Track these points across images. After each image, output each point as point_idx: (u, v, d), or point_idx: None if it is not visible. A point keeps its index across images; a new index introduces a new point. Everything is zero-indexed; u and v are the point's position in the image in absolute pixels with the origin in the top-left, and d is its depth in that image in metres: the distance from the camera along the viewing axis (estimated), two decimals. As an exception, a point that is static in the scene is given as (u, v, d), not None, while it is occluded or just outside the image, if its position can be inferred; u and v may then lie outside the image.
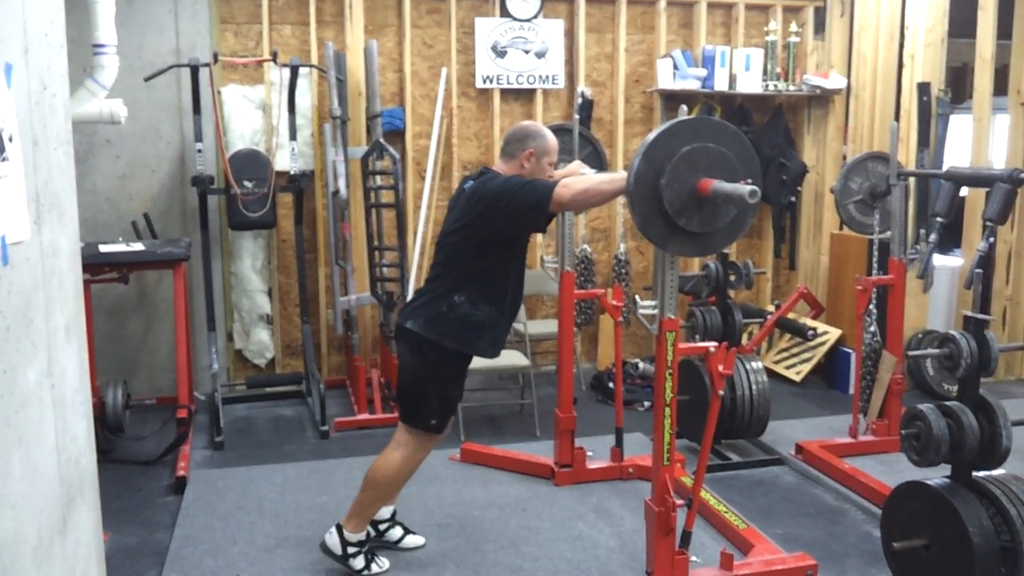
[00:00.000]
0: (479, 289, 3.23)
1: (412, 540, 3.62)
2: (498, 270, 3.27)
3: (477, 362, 5.08)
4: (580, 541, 3.63)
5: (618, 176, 2.96)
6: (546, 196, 2.99)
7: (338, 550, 3.37)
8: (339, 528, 3.39)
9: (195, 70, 4.98)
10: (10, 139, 1.44)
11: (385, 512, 3.61)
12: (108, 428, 4.60)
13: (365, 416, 5.15)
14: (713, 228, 2.81)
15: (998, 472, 3.04)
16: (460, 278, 3.24)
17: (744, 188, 2.58)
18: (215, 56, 5.08)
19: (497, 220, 3.14)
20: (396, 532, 3.61)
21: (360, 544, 3.38)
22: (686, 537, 3.18)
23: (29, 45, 1.55)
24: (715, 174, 2.74)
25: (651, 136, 2.75)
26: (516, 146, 3.32)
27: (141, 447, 4.70)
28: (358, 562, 3.37)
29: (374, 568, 3.38)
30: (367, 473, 3.38)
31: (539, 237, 6.04)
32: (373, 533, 3.54)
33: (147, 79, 4.98)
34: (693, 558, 3.28)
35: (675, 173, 2.72)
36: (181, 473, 4.28)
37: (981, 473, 3.03)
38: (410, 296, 3.43)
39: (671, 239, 2.82)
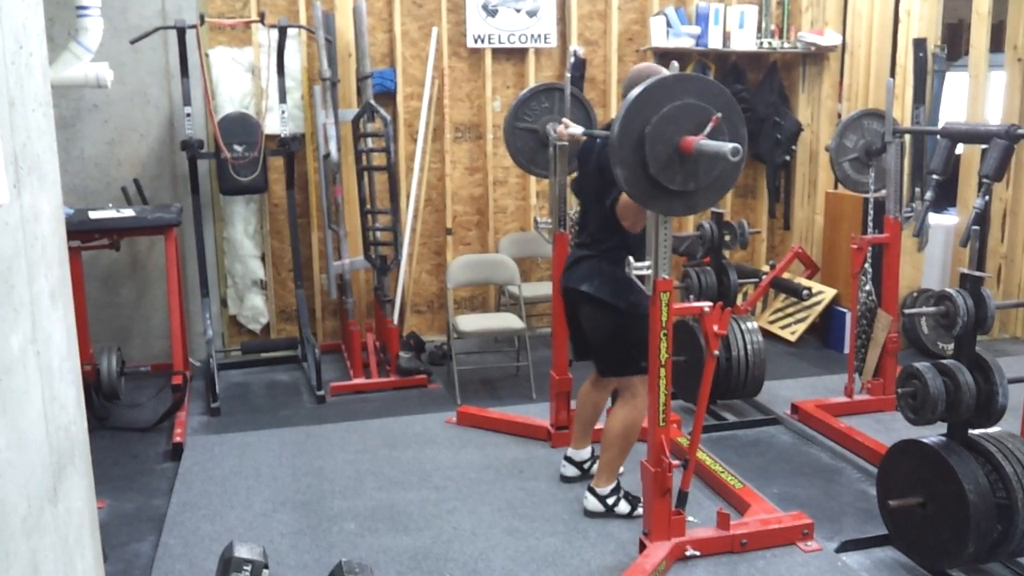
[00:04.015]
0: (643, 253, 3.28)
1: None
2: None
3: (472, 325, 5.10)
4: (577, 503, 3.63)
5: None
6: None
7: (600, 507, 3.53)
8: (591, 490, 3.55)
9: (181, 32, 4.90)
10: (-15, 100, 1.40)
11: (587, 453, 3.86)
12: (103, 395, 4.60)
13: (361, 380, 5.15)
14: (697, 186, 2.79)
15: (994, 430, 3.05)
16: (623, 241, 3.35)
17: (727, 146, 2.56)
18: (202, 18, 5.00)
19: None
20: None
21: (615, 491, 3.54)
22: (682, 497, 3.19)
23: (2, 2, 1.51)
24: (692, 129, 2.71)
25: (633, 94, 2.73)
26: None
27: (137, 414, 4.69)
28: (623, 507, 3.52)
29: (639, 509, 3.45)
30: (605, 435, 3.52)
31: (533, 199, 6.00)
32: (578, 473, 3.83)
33: (133, 42, 4.90)
34: (690, 518, 3.29)
35: (657, 132, 2.69)
36: (177, 439, 4.28)
37: (977, 431, 3.04)
38: (573, 247, 3.71)
39: (655, 198, 2.80)
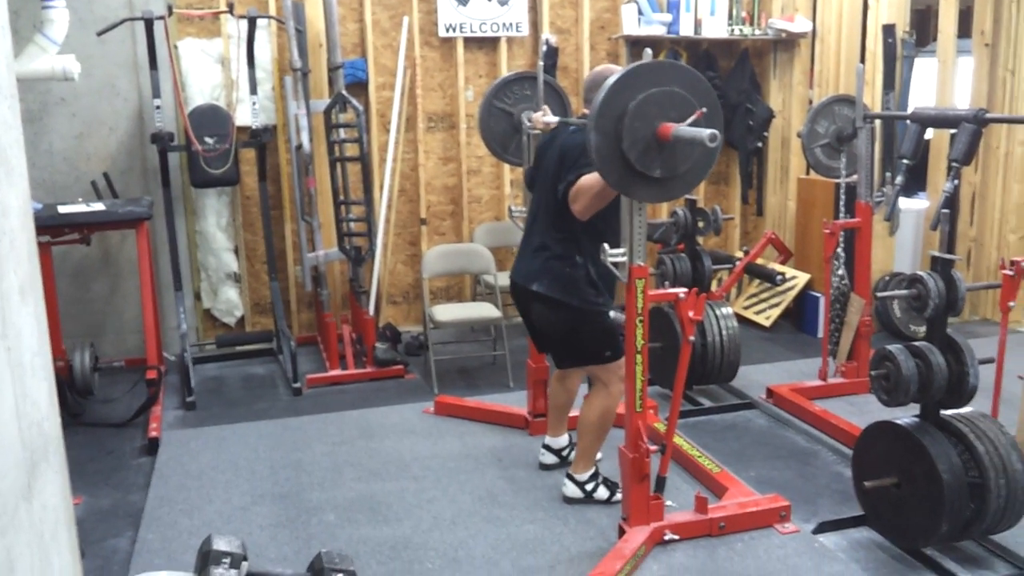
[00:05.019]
0: (595, 249, 3.24)
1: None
2: (612, 226, 3.24)
3: (448, 315, 5.09)
4: (556, 490, 3.64)
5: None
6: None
7: (579, 493, 3.55)
8: (570, 476, 3.57)
9: (149, 24, 4.84)
10: (-50, 93, 1.38)
11: (565, 440, 3.88)
12: (77, 391, 4.56)
13: (337, 372, 5.13)
14: (674, 173, 2.79)
15: (966, 410, 3.09)
16: (576, 237, 3.34)
17: (704, 132, 2.56)
18: (169, 8, 4.95)
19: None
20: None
21: (593, 477, 3.56)
22: (660, 482, 3.21)
23: (-34, -6, 1.48)
24: (674, 117, 2.71)
25: (608, 83, 2.72)
26: (594, 95, 3.22)
27: (111, 409, 4.65)
28: (601, 493, 3.54)
29: (618, 495, 3.45)
30: (580, 423, 3.54)
31: (507, 188, 6.00)
32: (557, 460, 3.85)
33: (100, 33, 4.83)
34: (668, 503, 3.31)
35: (634, 120, 2.69)
36: (153, 434, 4.25)
37: (949, 411, 3.07)
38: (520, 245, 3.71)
39: (632, 185, 2.80)
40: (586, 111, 3.30)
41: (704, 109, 2.72)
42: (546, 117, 3.76)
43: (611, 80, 2.73)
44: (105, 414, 4.62)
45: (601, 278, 3.37)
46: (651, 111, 2.71)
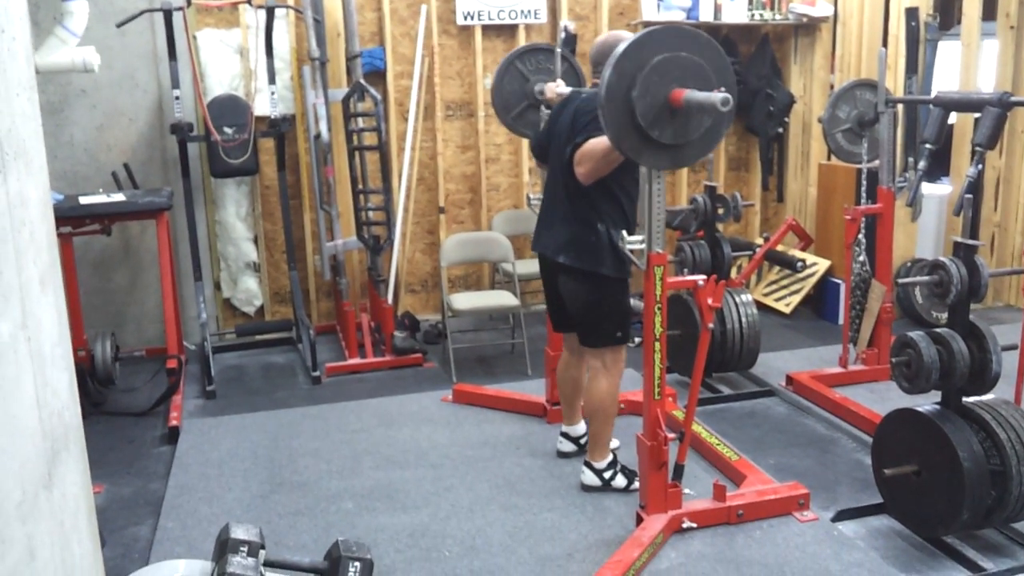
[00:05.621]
0: (616, 217, 3.31)
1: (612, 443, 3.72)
2: (628, 193, 3.34)
3: (466, 303, 5.10)
4: (574, 477, 3.64)
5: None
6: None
7: (597, 481, 3.55)
8: (588, 464, 3.57)
9: (168, 14, 4.85)
10: (-33, 85, 1.39)
11: (582, 428, 3.85)
12: (98, 381, 4.60)
13: (356, 361, 5.15)
14: (686, 139, 2.77)
15: (988, 397, 3.06)
16: (596, 205, 3.32)
17: (716, 96, 2.54)
18: (188, -1, 4.95)
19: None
20: None
21: (611, 465, 3.56)
22: (679, 470, 3.21)
23: (-17, -13, 1.49)
24: (688, 84, 2.69)
25: (621, 47, 2.70)
26: (602, 67, 3.20)
27: (132, 399, 4.69)
28: (619, 481, 3.54)
29: (636, 483, 3.45)
30: (585, 409, 3.59)
31: (525, 176, 5.98)
32: (575, 448, 3.85)
33: (119, 25, 4.85)
34: (686, 491, 3.30)
35: (647, 84, 2.67)
36: (174, 423, 4.28)
37: (971, 399, 3.05)
38: (539, 212, 3.68)
39: (644, 151, 2.78)
40: (597, 80, 3.28)
41: (723, 88, 2.69)
42: (559, 88, 3.74)
43: (647, 30, 2.73)
44: (126, 403, 4.66)
45: (618, 251, 3.34)
46: (672, 71, 2.69)
